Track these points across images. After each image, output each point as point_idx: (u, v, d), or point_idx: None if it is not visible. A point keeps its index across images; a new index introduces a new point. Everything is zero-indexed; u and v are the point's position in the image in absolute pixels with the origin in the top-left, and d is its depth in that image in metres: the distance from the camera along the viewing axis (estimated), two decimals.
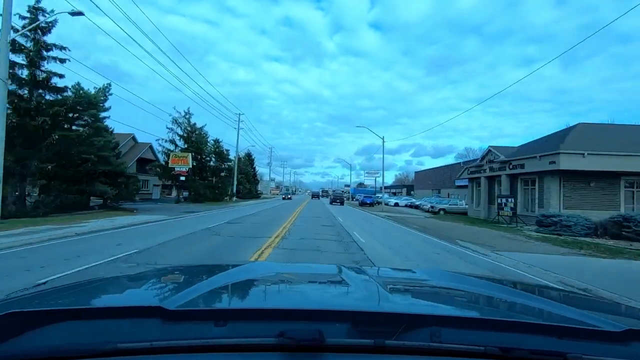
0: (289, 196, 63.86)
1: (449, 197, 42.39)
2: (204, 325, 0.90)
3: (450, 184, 44.74)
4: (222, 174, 47.86)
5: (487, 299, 1.45)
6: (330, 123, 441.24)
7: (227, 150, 48.91)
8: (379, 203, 49.30)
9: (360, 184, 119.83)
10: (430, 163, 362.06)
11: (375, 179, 72.83)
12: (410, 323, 0.89)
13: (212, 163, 45.28)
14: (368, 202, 43.29)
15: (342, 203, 44.35)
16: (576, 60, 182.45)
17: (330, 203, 44.98)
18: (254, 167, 69.00)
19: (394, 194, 72.38)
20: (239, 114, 47.92)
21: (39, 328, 0.85)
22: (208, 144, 41.88)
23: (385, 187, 79.73)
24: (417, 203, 40.69)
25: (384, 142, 32.58)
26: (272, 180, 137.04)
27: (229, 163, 49.98)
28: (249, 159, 67.71)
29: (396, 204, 46.07)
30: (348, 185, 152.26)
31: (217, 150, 45.20)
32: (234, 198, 48.29)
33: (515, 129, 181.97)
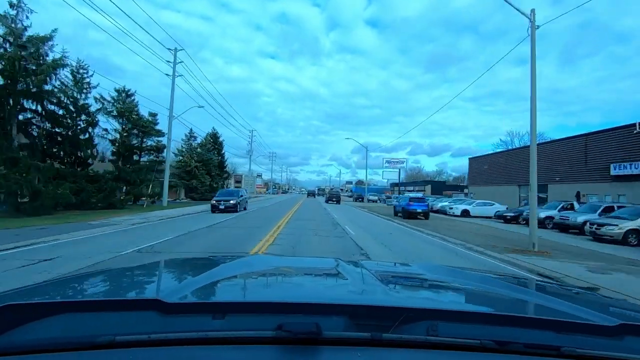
0: (233, 201, 21.07)
1: (580, 199, 21.29)
2: (202, 318, 0.91)
3: (584, 174, 23.45)
4: (144, 159, 26.18)
5: (484, 293, 1.44)
6: (327, 121, 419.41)
7: (155, 116, 27.12)
8: (432, 211, 28.05)
9: (360, 182, 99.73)
10: (426, 162, 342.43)
11: (400, 171, 51.69)
12: (407, 316, 0.89)
13: (116, 135, 23.66)
14: (419, 210, 21.93)
15: (338, 201, 43.99)
16: (572, 60, 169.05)
17: (326, 201, 44.78)
18: (222, 154, 46.66)
19: (413, 192, 51.23)
20: (175, 50, 25.98)
21: (35, 321, 0.84)
22: (91, 88, 20.02)
23: (398, 184, 58.25)
24: (566, 216, 17.98)
25: None
26: (259, 176, 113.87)
27: (158, 139, 28.24)
28: (214, 141, 45.33)
29: (466, 213, 24.93)
30: (350, 183, 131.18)
31: (124, 111, 23.48)
32: (166, 201, 26.30)
33: (510, 129, 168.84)
